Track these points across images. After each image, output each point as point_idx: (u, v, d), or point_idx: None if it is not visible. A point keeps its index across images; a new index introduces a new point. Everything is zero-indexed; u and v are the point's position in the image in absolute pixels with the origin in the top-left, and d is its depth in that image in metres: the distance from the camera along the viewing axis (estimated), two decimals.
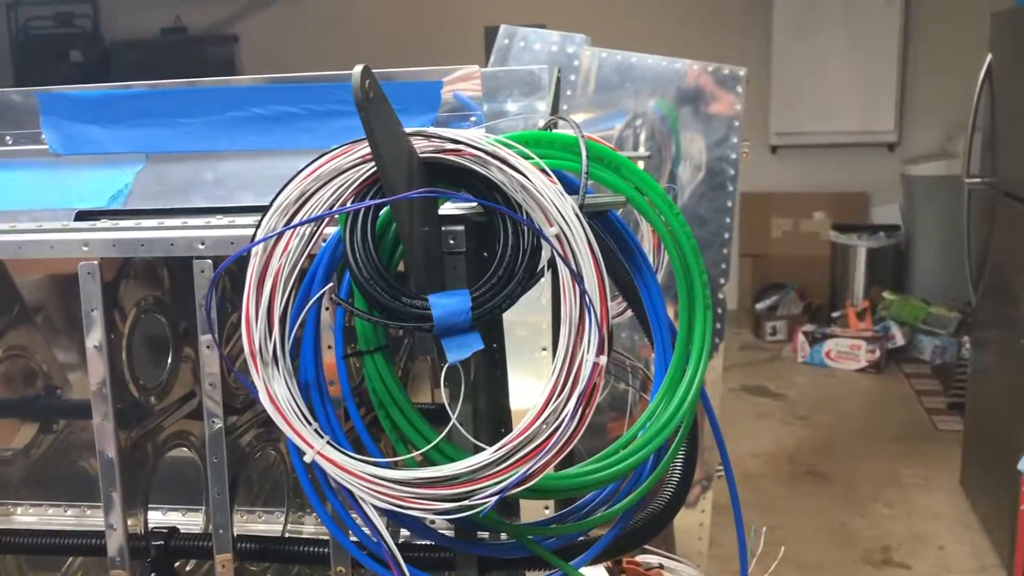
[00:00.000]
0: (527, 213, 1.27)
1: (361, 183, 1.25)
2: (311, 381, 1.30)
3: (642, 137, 3.25)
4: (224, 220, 1.45)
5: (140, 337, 1.63)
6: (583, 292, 1.23)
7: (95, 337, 1.46)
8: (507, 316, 2.03)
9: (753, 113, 7.84)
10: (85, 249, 1.43)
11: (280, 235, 1.25)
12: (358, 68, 1.04)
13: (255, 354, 1.23)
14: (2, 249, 1.46)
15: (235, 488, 1.57)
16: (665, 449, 1.46)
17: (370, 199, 1.22)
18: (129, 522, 1.52)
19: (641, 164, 2.10)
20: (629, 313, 2.63)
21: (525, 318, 2.17)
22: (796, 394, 6.71)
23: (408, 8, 8.45)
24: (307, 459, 1.25)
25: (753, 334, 7.93)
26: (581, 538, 1.48)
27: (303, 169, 1.25)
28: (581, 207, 1.31)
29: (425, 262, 1.27)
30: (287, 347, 1.27)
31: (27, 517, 1.95)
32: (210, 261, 1.41)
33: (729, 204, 3.30)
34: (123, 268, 1.53)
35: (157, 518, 1.84)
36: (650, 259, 1.77)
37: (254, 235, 1.24)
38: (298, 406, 1.26)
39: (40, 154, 1.61)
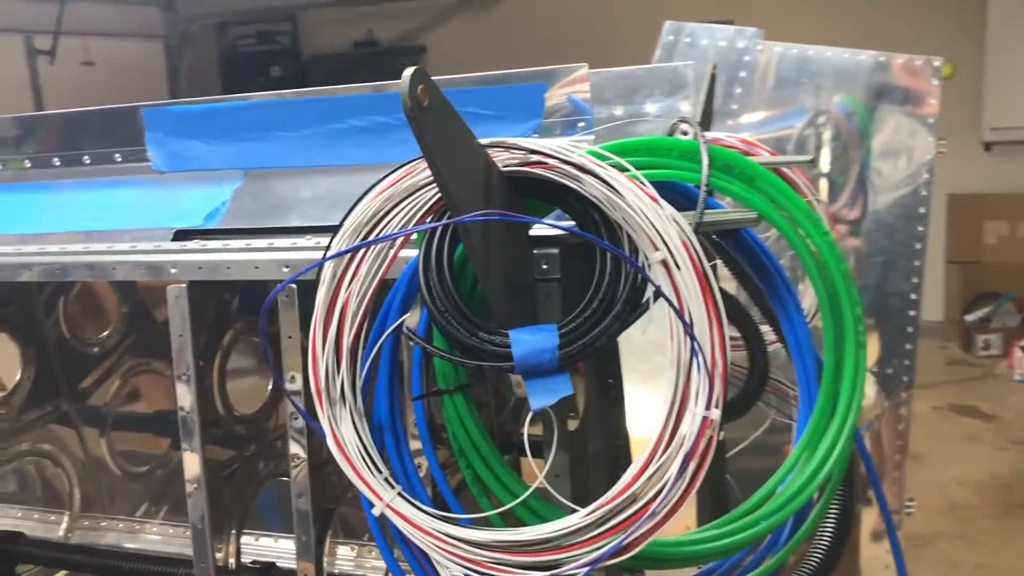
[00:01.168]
0: (628, 236, 1.08)
1: (437, 203, 1.10)
2: (384, 423, 1.16)
3: (826, 136, 2.95)
4: (311, 242, 1.34)
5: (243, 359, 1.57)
6: (691, 337, 1.02)
7: (183, 363, 1.39)
8: (640, 337, 1.81)
9: (963, 108, 7.14)
10: (173, 272, 1.36)
11: (350, 260, 1.11)
12: (407, 72, 0.89)
13: (320, 391, 1.11)
14: (98, 271, 1.42)
15: (327, 524, 1.46)
16: (807, 509, 1.22)
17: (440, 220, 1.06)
18: (217, 554, 1.45)
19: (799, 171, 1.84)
20: None
21: (663, 338, 1.96)
22: (1012, 416, 6.04)
23: (595, 9, 8.30)
24: (375, 512, 1.12)
25: (962, 348, 7.23)
26: None
27: (373, 187, 1.11)
28: (697, 227, 1.10)
29: (507, 291, 1.11)
30: (358, 384, 1.13)
31: (151, 536, 1.94)
32: (294, 286, 1.31)
33: (922, 210, 2.94)
34: (222, 286, 1.46)
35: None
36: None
37: (325, 255, 1.11)
38: (367, 451, 1.12)
39: (145, 171, 1.57)
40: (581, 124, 1.31)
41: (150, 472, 2.05)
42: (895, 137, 2.81)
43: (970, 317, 7.22)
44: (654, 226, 1.03)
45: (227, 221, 1.47)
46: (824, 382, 1.19)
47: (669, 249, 1.02)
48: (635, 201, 1.03)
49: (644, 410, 1.49)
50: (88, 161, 1.64)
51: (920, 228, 3.01)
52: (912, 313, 2.59)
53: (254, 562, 1.54)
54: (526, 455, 1.22)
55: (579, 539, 1.06)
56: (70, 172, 1.65)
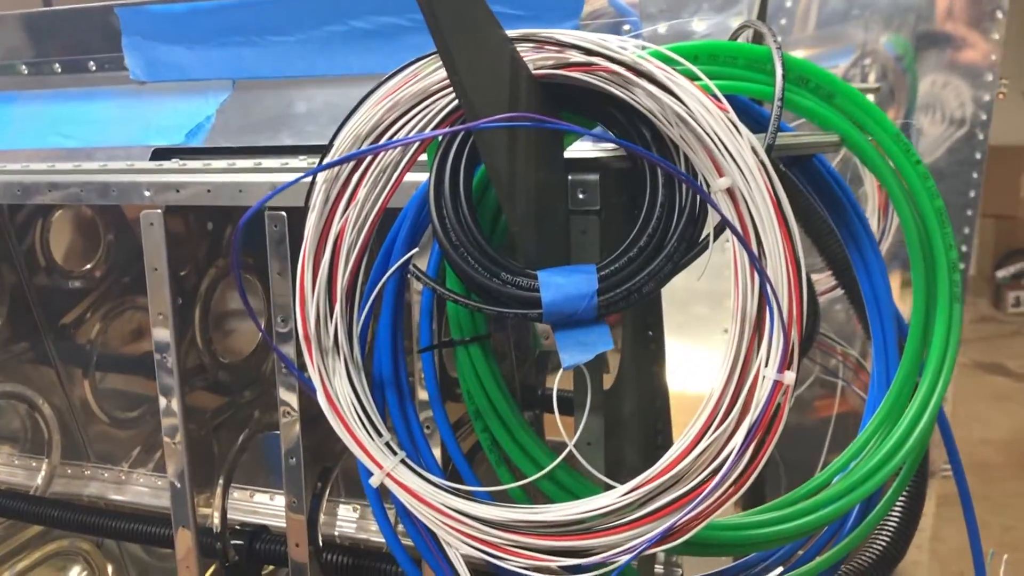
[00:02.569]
0: (686, 157, 0.88)
1: (453, 112, 0.90)
2: (386, 378, 0.98)
3: (871, 77, 2.74)
4: (304, 162, 1.14)
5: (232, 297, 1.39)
6: (763, 280, 0.83)
7: (160, 300, 1.21)
8: (682, 281, 1.62)
9: (1004, 55, 6.75)
10: (147, 195, 1.17)
11: (346, 182, 0.92)
12: None
13: (310, 338, 0.93)
14: (61, 192, 1.23)
15: (325, 483, 1.29)
16: (880, 493, 1.04)
17: (457, 137, 0.86)
18: (202, 510, 1.29)
19: (871, 98, 1.63)
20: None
21: (706, 285, 1.77)
22: None
23: None
24: (374, 482, 0.94)
25: (992, 305, 7.03)
26: None
27: (373, 91, 0.91)
28: (769, 149, 0.90)
29: (536, 224, 0.91)
30: (356, 332, 0.95)
31: (139, 487, 1.79)
32: (283, 214, 1.12)
33: (978, 156, 2.73)
34: (204, 214, 1.27)
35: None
36: (872, 224, 1.32)
37: (317, 166, 0.92)
38: (365, 411, 0.94)
39: (122, 81, 1.37)
40: (626, 28, 1.10)
41: (140, 418, 1.88)
42: (949, 79, 2.59)
43: (1001, 273, 7.00)
44: (723, 145, 0.83)
45: (211, 139, 1.27)
46: (910, 343, 1.00)
47: (742, 172, 0.82)
48: (701, 114, 0.83)
49: (682, 369, 1.31)
50: (59, 69, 1.44)
51: (975, 175, 2.80)
52: (961, 266, 2.39)
53: (243, 524, 1.38)
54: (552, 412, 1.04)
55: (617, 522, 0.88)
56: (38, 82, 1.45)
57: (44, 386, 1.81)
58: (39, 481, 1.78)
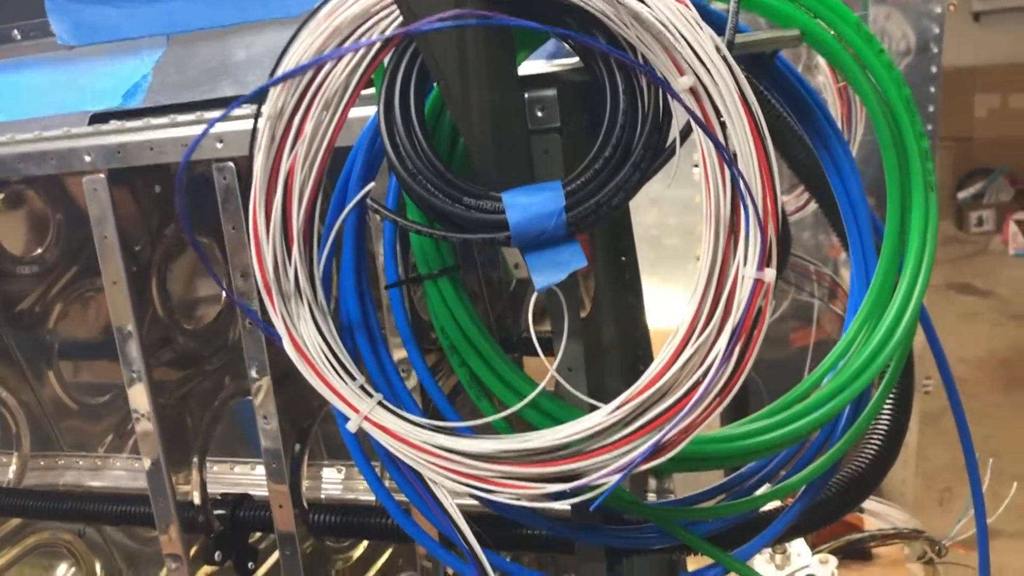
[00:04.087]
0: (644, 59, 0.84)
1: (398, 34, 0.86)
2: (354, 320, 0.94)
3: None
4: (247, 110, 1.09)
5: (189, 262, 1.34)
6: (734, 175, 0.80)
7: (113, 269, 1.16)
8: (653, 218, 1.59)
9: None
10: (88, 159, 1.12)
11: (291, 116, 0.88)
12: None
13: (269, 285, 0.89)
14: (0, 168, 1.17)
15: (304, 445, 1.26)
16: (868, 394, 1.03)
17: (403, 59, 0.82)
18: (180, 487, 1.25)
19: None
20: (811, 208, 2.11)
21: (676, 220, 1.74)
22: (1008, 291, 6.00)
23: None
24: (351, 427, 0.91)
25: (955, 226, 7.13)
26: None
27: (309, 19, 0.86)
28: (730, 46, 0.87)
29: (497, 144, 0.87)
30: (317, 275, 0.91)
31: (117, 472, 1.74)
32: (232, 165, 1.07)
33: (934, 70, 2.73)
34: (150, 176, 1.22)
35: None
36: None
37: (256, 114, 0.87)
38: (335, 354, 0.90)
39: (50, 47, 1.31)
40: None
41: (110, 403, 1.83)
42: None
43: (962, 194, 7.09)
44: (685, 40, 0.79)
45: (150, 98, 1.22)
46: (888, 235, 0.98)
47: (704, 67, 0.79)
48: (659, 9, 0.79)
49: (657, 305, 1.29)
50: None
51: (932, 89, 2.80)
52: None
53: (225, 495, 1.34)
54: (532, 353, 1.01)
55: (605, 442, 0.86)
56: None
57: (7, 379, 1.75)
58: (10, 475, 1.73)
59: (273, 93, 0.87)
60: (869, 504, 2.25)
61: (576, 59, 0.95)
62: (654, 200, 1.82)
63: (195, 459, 1.32)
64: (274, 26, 1.19)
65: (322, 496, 1.51)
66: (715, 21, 0.98)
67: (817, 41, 0.97)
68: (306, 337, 0.90)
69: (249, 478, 1.61)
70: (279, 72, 0.87)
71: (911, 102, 0.99)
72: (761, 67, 1.04)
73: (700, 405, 0.84)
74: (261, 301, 0.90)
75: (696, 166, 1.65)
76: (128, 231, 1.17)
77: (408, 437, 0.89)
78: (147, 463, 1.22)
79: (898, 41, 2.61)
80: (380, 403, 0.91)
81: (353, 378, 0.91)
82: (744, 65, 1.02)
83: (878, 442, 1.12)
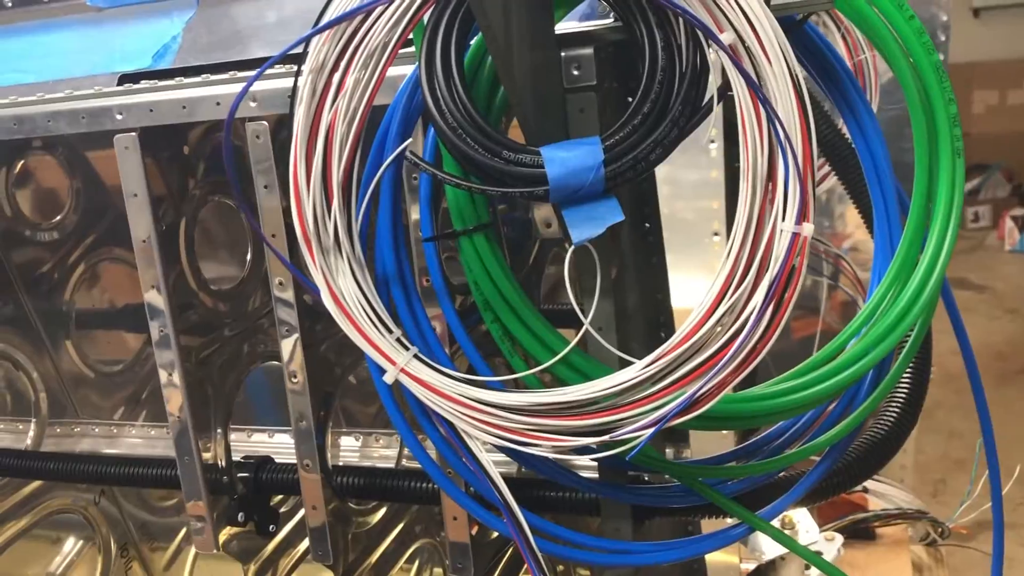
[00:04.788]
0: (682, 19, 0.85)
1: None
2: (390, 273, 0.96)
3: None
4: (282, 69, 1.10)
5: (213, 227, 1.35)
6: (774, 122, 0.81)
7: (142, 228, 1.17)
8: (664, 198, 1.58)
9: None
10: (120, 118, 1.13)
11: (332, 70, 0.89)
12: None
13: (309, 238, 0.90)
14: (27, 125, 1.18)
15: (328, 410, 1.27)
16: (891, 358, 1.04)
17: (444, 14, 0.83)
18: (204, 453, 1.26)
19: None
20: (818, 189, 2.12)
21: (689, 200, 1.75)
22: (1003, 286, 6.03)
23: None
24: (387, 379, 0.92)
25: None
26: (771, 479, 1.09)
27: None
28: (768, 4, 0.88)
29: (537, 102, 0.88)
30: (355, 229, 0.92)
31: (132, 439, 1.75)
32: (265, 124, 1.08)
33: (941, 57, 2.72)
34: (178, 137, 1.23)
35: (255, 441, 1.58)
36: None
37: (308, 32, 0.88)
38: (372, 307, 0.91)
39: (79, 9, 1.31)
40: None
41: (125, 371, 1.84)
42: None
43: None
44: None
45: (180, 59, 1.23)
46: (916, 198, 0.99)
47: (749, 21, 0.80)
48: None
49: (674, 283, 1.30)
50: (9, 3, 1.38)
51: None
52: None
53: (247, 457, 1.35)
54: (561, 326, 1.03)
55: (637, 396, 0.87)
56: None
57: (25, 345, 1.76)
58: (28, 441, 1.74)
59: (315, 47, 0.88)
60: (873, 484, 2.27)
61: (610, 20, 0.96)
62: (665, 179, 1.83)
63: (218, 424, 1.33)
64: None
65: (341, 462, 1.52)
66: None
67: (848, 5, 0.98)
68: (344, 290, 0.91)
69: (266, 446, 1.62)
70: (322, 24, 0.88)
71: (940, 68, 1.00)
72: (791, 31, 1.05)
73: (734, 361, 0.85)
74: (296, 259, 0.91)
75: (712, 142, 1.66)
76: (156, 191, 1.18)
77: (443, 389, 0.90)
78: (173, 423, 1.23)
79: None
80: (416, 356, 0.92)
81: (390, 331, 0.92)
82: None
83: (897, 410, 1.14)
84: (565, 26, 0.96)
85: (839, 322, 2.48)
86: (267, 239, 1.02)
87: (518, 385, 0.96)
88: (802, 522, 1.95)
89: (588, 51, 0.93)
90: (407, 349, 0.92)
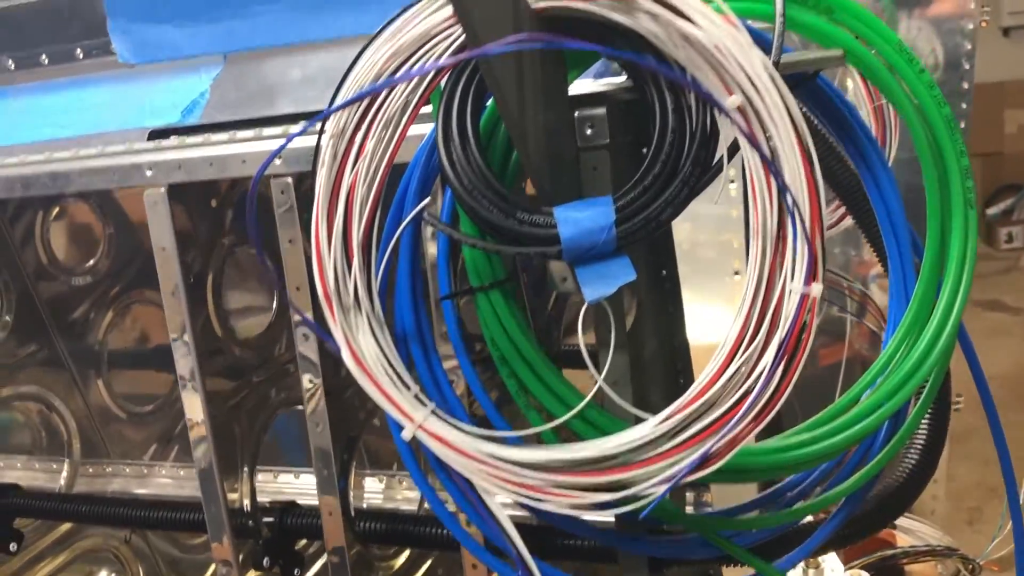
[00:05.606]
0: (692, 77, 0.87)
1: (456, 53, 0.89)
2: (408, 331, 0.98)
3: None
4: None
5: (241, 275, 1.38)
6: (782, 189, 0.82)
7: (170, 280, 1.20)
8: (685, 234, 1.62)
9: None
10: (149, 174, 1.16)
11: (352, 135, 0.91)
12: None
13: (330, 296, 0.92)
14: (62, 181, 1.22)
15: (351, 454, 1.29)
16: (907, 410, 1.04)
17: (461, 79, 0.86)
18: (230, 495, 1.28)
19: None
20: (843, 225, 2.13)
21: (710, 235, 1.76)
22: None
23: None
24: (406, 435, 0.94)
25: (984, 242, 7.05)
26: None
27: (373, 40, 0.90)
28: (776, 66, 0.90)
29: (550, 162, 0.91)
30: (375, 286, 0.94)
31: (163, 480, 1.79)
32: (289, 180, 1.11)
33: (966, 86, 2.72)
34: (207, 191, 1.26)
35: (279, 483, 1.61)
36: None
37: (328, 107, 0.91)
38: (391, 364, 0.94)
39: (111, 66, 1.36)
40: None
41: (156, 411, 1.88)
42: (927, 10, 2.58)
43: (992, 210, 7.01)
44: (735, 59, 0.82)
45: (208, 115, 1.26)
46: (928, 252, 1.00)
47: (753, 86, 0.82)
48: (709, 29, 0.82)
49: (695, 319, 1.31)
50: (46, 61, 1.42)
51: (964, 106, 2.79)
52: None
53: (273, 502, 1.37)
54: (572, 366, 1.05)
55: (651, 453, 0.88)
56: (26, 75, 1.44)
57: (58, 387, 1.80)
58: (62, 481, 1.78)
59: (335, 114, 0.91)
60: (902, 520, 2.24)
61: (623, 78, 0.98)
62: (686, 215, 1.85)
63: (244, 467, 1.36)
64: (329, 46, 1.23)
65: (364, 505, 1.54)
66: (758, 41, 1.01)
67: (859, 60, 0.99)
68: (364, 348, 0.93)
69: (292, 486, 1.64)
70: (342, 93, 0.91)
71: (952, 121, 1.01)
72: (802, 85, 1.07)
73: (746, 418, 0.86)
74: (318, 312, 0.94)
75: (732, 182, 1.67)
76: (184, 243, 1.21)
77: (460, 446, 0.92)
78: (200, 469, 1.26)
79: (927, 56, 2.61)
80: (433, 412, 0.94)
81: (408, 388, 0.94)
82: (787, 83, 1.06)
83: (915, 457, 1.14)
84: (578, 86, 0.98)
85: (867, 348, 2.46)
86: (293, 303, 1.04)
87: (535, 440, 0.97)
88: (827, 561, 1.94)
89: (601, 111, 0.96)
90: (425, 405, 0.94)
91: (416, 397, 0.94)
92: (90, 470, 1.82)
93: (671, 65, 0.88)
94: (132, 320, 1.80)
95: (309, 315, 1.13)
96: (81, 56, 1.40)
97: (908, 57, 1.01)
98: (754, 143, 0.81)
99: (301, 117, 1.18)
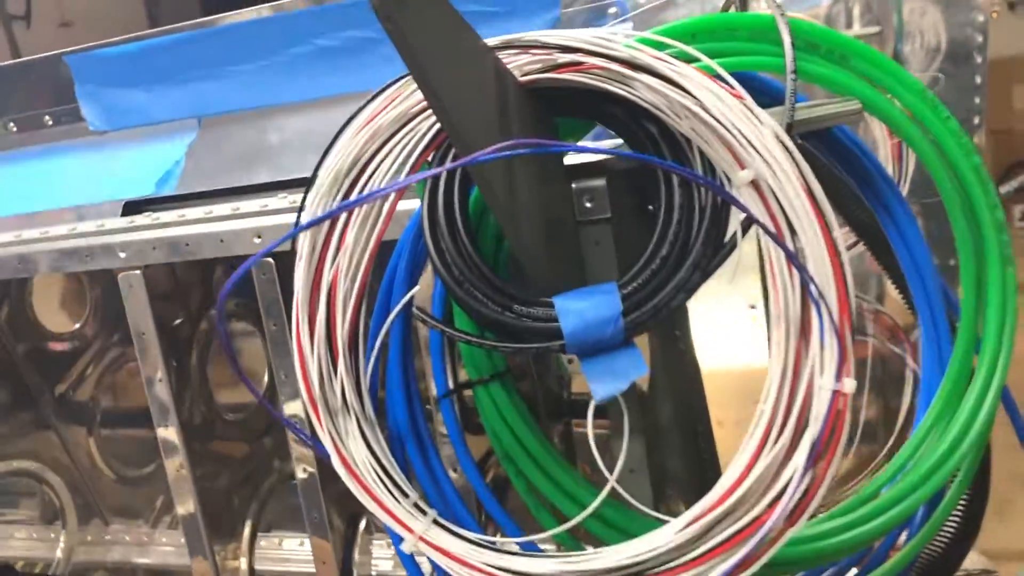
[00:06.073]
0: (699, 151, 0.80)
1: (439, 134, 0.82)
2: (403, 430, 0.90)
3: (856, 13, 2.63)
4: (285, 201, 1.06)
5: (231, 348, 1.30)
6: (806, 280, 0.74)
7: (151, 366, 1.13)
8: None
9: None
10: (123, 256, 1.09)
11: (331, 226, 0.84)
12: None
13: (315, 400, 0.85)
14: (31, 265, 1.15)
15: (355, 526, 1.22)
16: (943, 493, 0.96)
17: (445, 162, 0.78)
18: (232, 562, 1.22)
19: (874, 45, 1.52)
20: (861, 248, 2.04)
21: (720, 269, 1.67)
22: None
23: None
24: (406, 548, 0.86)
25: None
26: None
27: (349, 123, 0.83)
28: (789, 128, 0.82)
29: (544, 244, 0.83)
30: (364, 385, 0.87)
31: (164, 548, 1.72)
32: (271, 260, 1.03)
33: (978, 80, 2.62)
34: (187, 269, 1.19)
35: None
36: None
37: (297, 222, 0.83)
38: (386, 471, 0.86)
39: (81, 133, 1.29)
40: (613, 10, 1.01)
41: (153, 474, 1.81)
42: (937, 2, 2.48)
43: (1004, 188, 6.87)
44: (741, 133, 0.74)
45: (183, 184, 1.19)
46: (964, 317, 0.92)
47: (764, 159, 0.74)
48: (714, 104, 0.74)
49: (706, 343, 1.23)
50: (13, 128, 1.35)
51: (976, 100, 2.70)
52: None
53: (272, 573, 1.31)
54: (581, 416, 0.97)
55: (677, 561, 0.81)
56: None
57: (50, 454, 1.74)
58: (59, 554, 1.71)
59: (311, 203, 0.84)
60: None
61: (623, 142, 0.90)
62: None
63: (244, 538, 1.29)
64: (306, 107, 1.16)
65: (373, 573, 1.47)
66: (770, 92, 0.93)
67: (878, 111, 0.92)
68: (355, 454, 0.85)
69: (297, 554, 1.57)
70: (319, 180, 0.83)
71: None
72: (818, 135, 0.99)
73: (779, 522, 0.78)
74: (307, 414, 0.86)
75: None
76: (166, 318, 1.14)
77: (466, 558, 0.84)
78: (190, 546, 1.19)
79: (931, 38, 2.51)
80: (435, 521, 0.86)
81: (406, 495, 0.87)
82: (805, 138, 0.98)
83: (954, 527, 1.05)
84: (576, 155, 0.90)
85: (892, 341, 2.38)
86: (265, 401, 0.97)
87: (547, 542, 0.90)
88: None
89: (600, 183, 0.88)
90: (425, 514, 0.86)
91: (416, 505, 0.87)
92: (88, 538, 1.76)
93: (676, 139, 0.80)
94: (123, 382, 1.73)
95: (300, 401, 1.06)
96: (50, 123, 1.33)
97: (932, 104, 0.93)
98: (771, 233, 0.73)
99: (280, 186, 1.11)
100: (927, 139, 0.92)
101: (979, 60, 2.51)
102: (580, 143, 0.86)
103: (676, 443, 1.11)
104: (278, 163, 1.14)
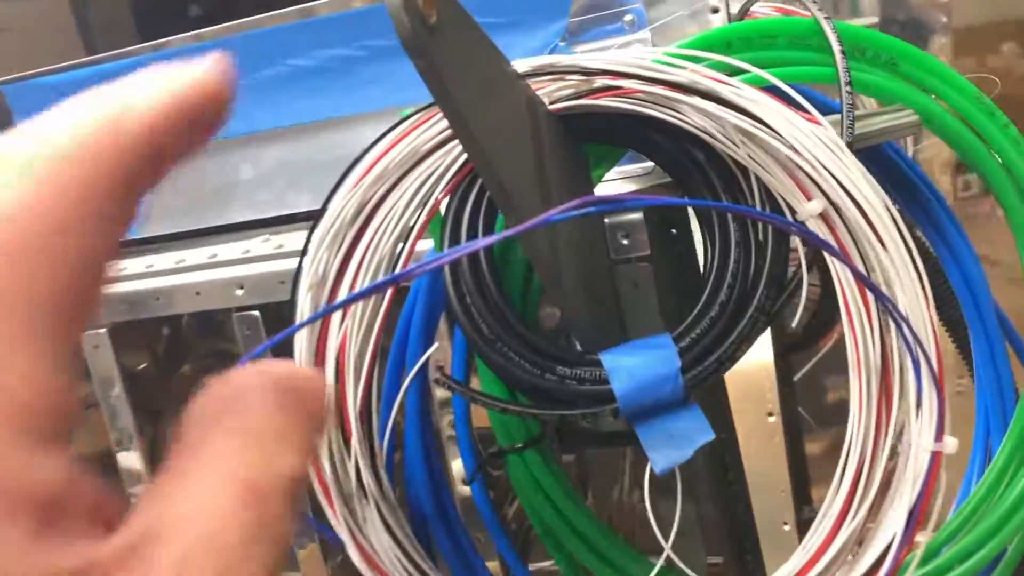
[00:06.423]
0: (756, 177, 0.70)
1: (459, 172, 0.71)
2: (427, 510, 0.79)
3: None
4: (267, 245, 0.94)
5: None
6: (899, 323, 0.65)
7: (120, 430, 1.00)
8: None
9: None
10: None
11: (337, 278, 0.73)
12: None
13: (327, 485, 0.73)
14: None
15: None
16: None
17: (467, 200, 0.67)
18: None
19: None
20: None
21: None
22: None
23: None
24: None
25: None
26: None
27: (355, 164, 0.71)
28: (849, 147, 0.73)
29: (586, 292, 0.72)
30: (381, 461, 0.76)
31: None
32: (257, 314, 0.91)
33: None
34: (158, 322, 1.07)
35: None
36: None
37: (292, 298, 0.72)
38: (412, 561, 0.75)
39: None
40: (629, 18, 0.90)
41: None
42: None
43: None
44: (813, 158, 0.64)
45: (150, 226, 1.06)
46: None
47: (842, 186, 0.64)
48: (782, 124, 0.64)
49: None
50: None
51: None
52: None
53: None
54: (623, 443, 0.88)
55: None
56: None
57: None
58: None
59: (312, 257, 0.72)
60: None
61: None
62: None
63: None
64: (284, 135, 1.03)
65: None
66: (815, 104, 0.84)
67: (934, 121, 0.83)
68: (376, 543, 0.74)
69: None
70: (317, 232, 0.72)
71: None
72: (867, 151, 0.90)
73: None
74: (317, 501, 0.75)
75: None
76: (136, 382, 1.02)
77: None
78: None
79: None
80: None
81: None
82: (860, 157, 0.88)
83: None
84: (608, 184, 0.80)
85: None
86: None
87: None
88: None
89: (638, 216, 0.78)
90: None
91: None
92: None
93: (728, 167, 0.70)
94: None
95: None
96: None
97: (988, 110, 0.84)
98: (861, 275, 0.64)
99: (258, 224, 0.99)
100: (987, 150, 0.83)
101: (944, 19, 2.46)
102: (649, 195, 0.76)
103: (709, 486, 1.02)
104: (255, 199, 1.02)
